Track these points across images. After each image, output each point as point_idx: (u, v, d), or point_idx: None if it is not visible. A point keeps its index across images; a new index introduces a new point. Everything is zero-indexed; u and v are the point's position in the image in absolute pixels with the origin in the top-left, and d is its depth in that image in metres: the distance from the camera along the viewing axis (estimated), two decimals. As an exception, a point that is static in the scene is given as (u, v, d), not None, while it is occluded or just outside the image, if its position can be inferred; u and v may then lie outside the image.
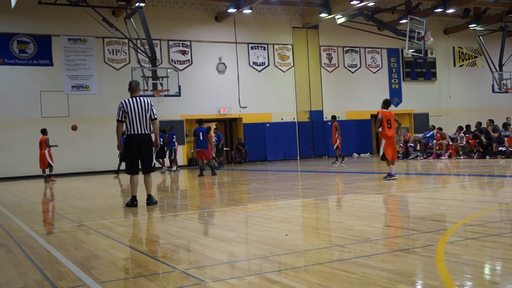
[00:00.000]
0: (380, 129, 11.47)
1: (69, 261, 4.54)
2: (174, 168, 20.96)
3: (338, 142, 19.40)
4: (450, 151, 19.70)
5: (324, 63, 27.77)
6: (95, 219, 7.56)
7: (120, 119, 8.37)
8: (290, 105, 26.70)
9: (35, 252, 5.15)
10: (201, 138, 16.62)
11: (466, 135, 19.90)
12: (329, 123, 20.68)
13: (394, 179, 11.15)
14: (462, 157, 19.14)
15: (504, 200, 7.77)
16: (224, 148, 26.08)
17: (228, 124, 27.23)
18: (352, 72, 28.46)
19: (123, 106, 8.34)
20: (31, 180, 19.75)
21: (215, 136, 21.41)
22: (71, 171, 20.89)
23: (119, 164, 19.31)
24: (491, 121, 19.24)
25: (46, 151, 17.54)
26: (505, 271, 3.66)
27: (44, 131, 17.83)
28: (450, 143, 20.16)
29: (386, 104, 11.81)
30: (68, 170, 21.03)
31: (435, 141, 20.68)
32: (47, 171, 17.83)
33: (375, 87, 28.82)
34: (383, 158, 11.53)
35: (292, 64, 26.94)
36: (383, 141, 11.49)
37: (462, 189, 9.81)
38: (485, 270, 3.71)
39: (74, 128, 18.95)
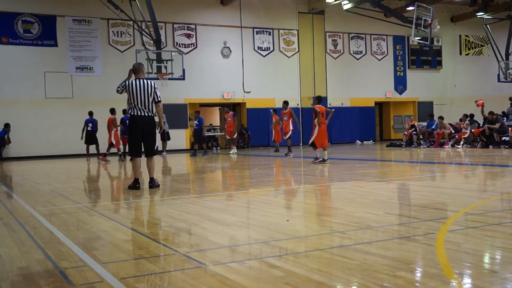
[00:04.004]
0: (316, 121, 12.97)
1: (71, 242, 4.58)
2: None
3: (290, 131, 18.07)
4: (458, 138, 19.54)
5: (329, 49, 27.62)
6: (98, 201, 7.60)
7: (118, 89, 8.52)
8: (294, 91, 26.62)
9: (37, 232, 5.18)
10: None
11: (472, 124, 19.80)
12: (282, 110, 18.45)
13: (326, 163, 12.60)
14: (462, 146, 19.08)
15: (506, 189, 7.76)
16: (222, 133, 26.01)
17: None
18: (357, 59, 28.32)
19: (126, 84, 8.36)
20: (34, 160, 19.82)
21: (196, 120, 19.90)
22: (74, 153, 20.95)
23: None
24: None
25: (113, 132, 17.48)
26: (505, 260, 3.67)
27: (112, 111, 17.77)
28: (453, 132, 20.10)
29: (319, 100, 13.51)
30: (72, 152, 21.09)
31: (437, 130, 20.64)
32: (104, 150, 17.97)
33: (380, 74, 28.70)
34: (312, 144, 13.02)
35: (297, 50, 26.80)
36: (316, 131, 12.91)
37: (464, 178, 9.80)
38: (484, 259, 3.72)
39: None
